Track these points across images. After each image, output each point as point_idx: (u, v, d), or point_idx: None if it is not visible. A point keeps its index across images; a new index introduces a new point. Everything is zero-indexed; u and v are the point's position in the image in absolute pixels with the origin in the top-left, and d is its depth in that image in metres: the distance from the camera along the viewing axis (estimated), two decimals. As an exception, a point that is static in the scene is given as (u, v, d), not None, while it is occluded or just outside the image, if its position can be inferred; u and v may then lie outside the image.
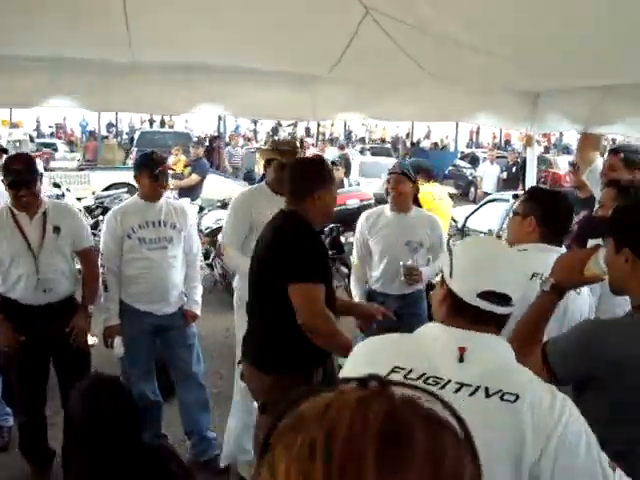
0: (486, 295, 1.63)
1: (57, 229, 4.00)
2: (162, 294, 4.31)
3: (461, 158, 26.51)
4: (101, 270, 4.20)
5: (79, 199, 10.54)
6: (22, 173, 3.82)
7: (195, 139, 12.42)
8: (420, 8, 2.83)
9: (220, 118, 21.66)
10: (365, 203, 12.30)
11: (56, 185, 9.92)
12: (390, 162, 18.11)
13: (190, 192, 10.26)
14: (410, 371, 1.58)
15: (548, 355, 2.07)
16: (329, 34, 3.33)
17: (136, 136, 22.74)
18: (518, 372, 1.63)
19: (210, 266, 8.70)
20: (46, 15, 3.19)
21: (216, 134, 25.51)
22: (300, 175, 3.13)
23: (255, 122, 36.08)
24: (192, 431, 4.54)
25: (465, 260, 1.72)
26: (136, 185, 4.36)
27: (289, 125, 33.18)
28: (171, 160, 12.03)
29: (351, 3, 2.93)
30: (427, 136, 37.85)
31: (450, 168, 24.49)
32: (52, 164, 17.83)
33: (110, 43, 3.62)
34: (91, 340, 6.88)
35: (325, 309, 2.97)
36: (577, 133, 4.95)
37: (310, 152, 12.01)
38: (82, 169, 16.99)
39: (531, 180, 5.47)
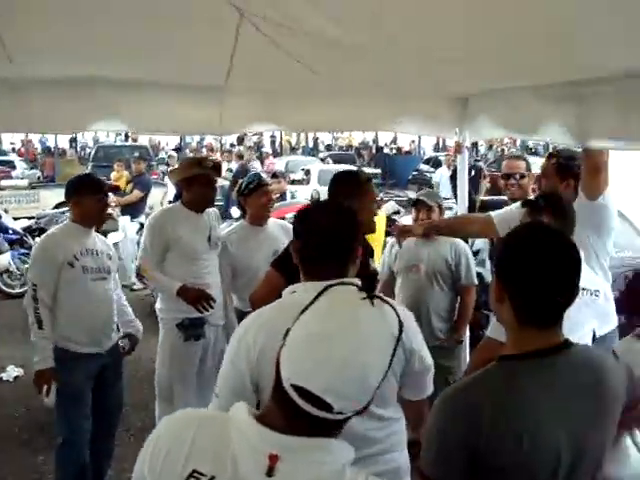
0: (301, 390, 1.17)
1: None
2: (104, 330, 3.91)
3: (425, 162, 26.48)
4: (33, 304, 3.64)
5: (16, 219, 10.10)
6: None
7: (136, 154, 11.82)
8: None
9: (180, 130, 21.28)
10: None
11: (-7, 205, 9.46)
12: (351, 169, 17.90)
13: (132, 209, 9.87)
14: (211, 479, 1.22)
15: None
16: (211, 41, 3.05)
17: (92, 151, 22.24)
18: None
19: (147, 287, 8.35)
20: None
21: (178, 147, 25.20)
22: None
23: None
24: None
25: (302, 326, 1.22)
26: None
27: (254, 134, 32.83)
28: (113, 176, 11.66)
29: (224, 8, 2.67)
30: (394, 141, 37.89)
31: (414, 173, 24.47)
32: (3, 182, 17.27)
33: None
34: (16, 371, 6.54)
35: None
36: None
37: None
38: (33, 187, 16.49)
39: (462, 189, 5.19)
